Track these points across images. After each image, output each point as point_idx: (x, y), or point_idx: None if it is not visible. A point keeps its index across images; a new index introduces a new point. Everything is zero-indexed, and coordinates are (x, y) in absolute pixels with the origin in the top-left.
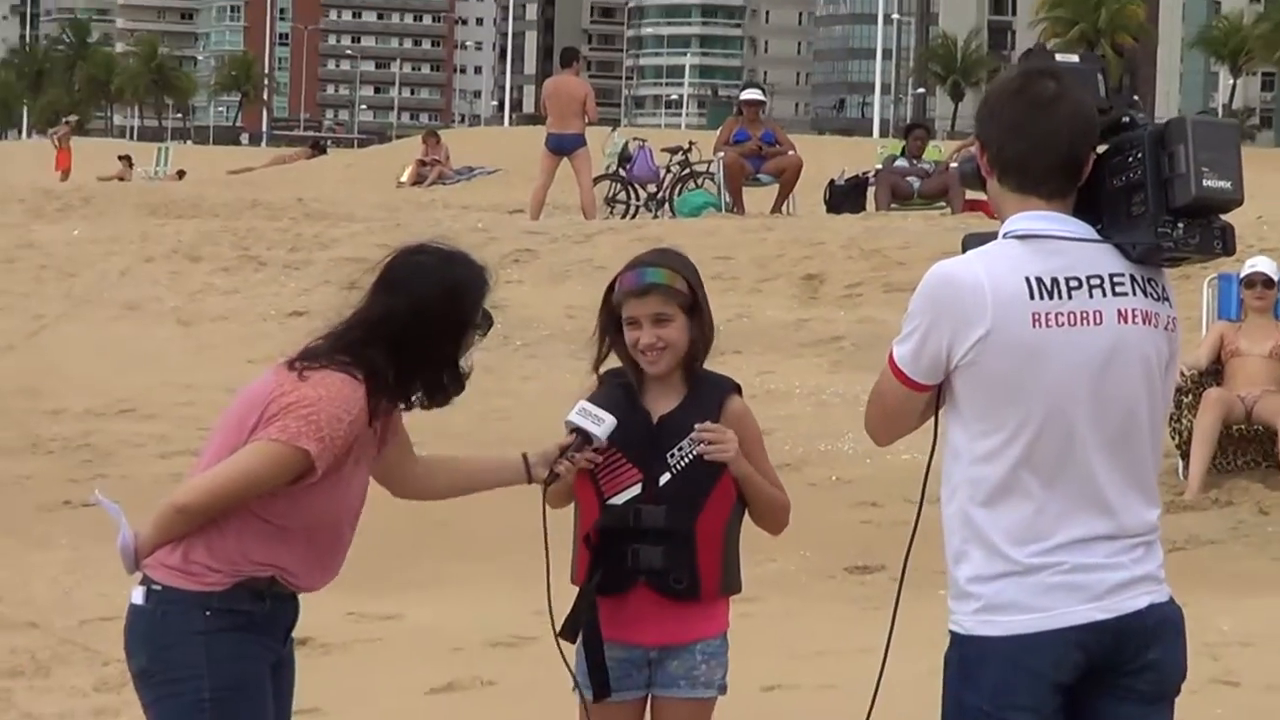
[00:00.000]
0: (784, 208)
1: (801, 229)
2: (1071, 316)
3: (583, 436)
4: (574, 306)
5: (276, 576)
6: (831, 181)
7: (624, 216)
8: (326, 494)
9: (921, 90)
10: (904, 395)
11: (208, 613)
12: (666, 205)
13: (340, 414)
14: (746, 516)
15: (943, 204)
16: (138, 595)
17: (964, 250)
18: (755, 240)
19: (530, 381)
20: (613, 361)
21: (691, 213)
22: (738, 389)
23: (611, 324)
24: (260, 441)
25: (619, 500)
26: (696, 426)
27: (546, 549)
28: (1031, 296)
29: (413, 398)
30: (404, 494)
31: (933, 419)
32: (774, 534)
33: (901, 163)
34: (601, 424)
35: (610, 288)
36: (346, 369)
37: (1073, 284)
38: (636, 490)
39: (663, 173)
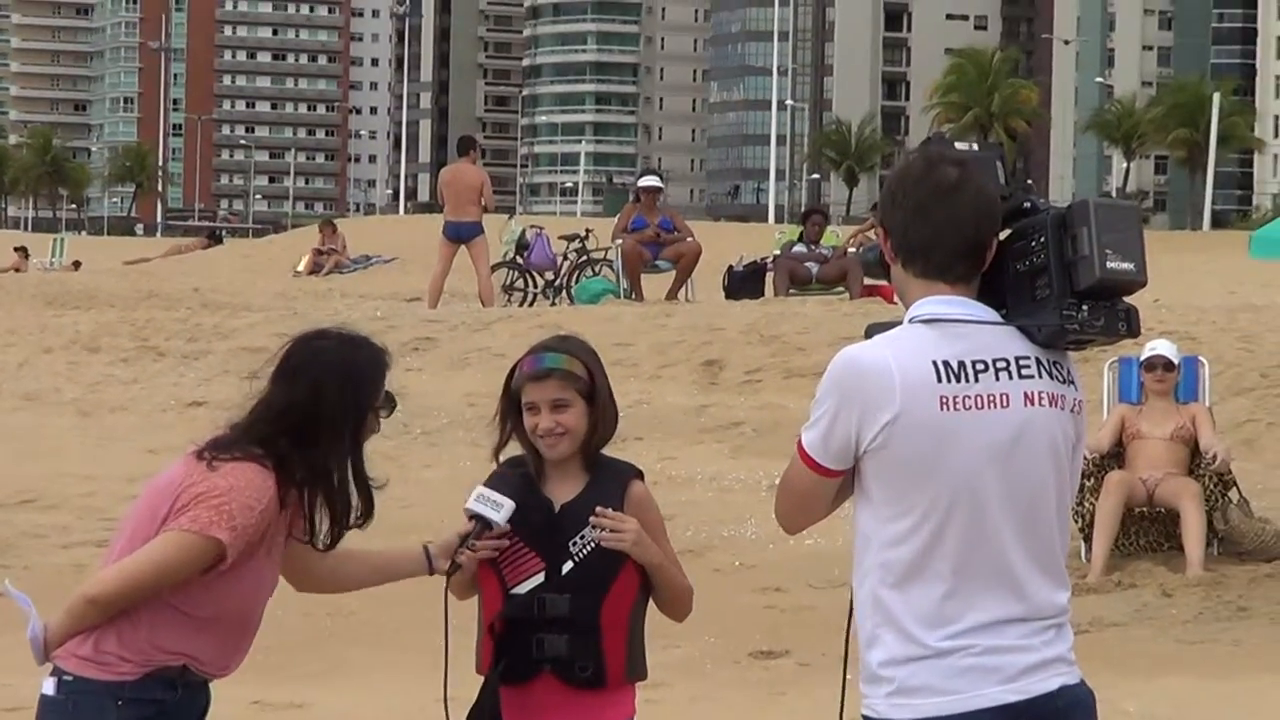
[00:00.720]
0: (682, 294)
1: (701, 315)
2: (979, 399)
3: (481, 523)
4: (474, 394)
5: (188, 665)
6: (730, 268)
7: (522, 304)
8: (238, 582)
9: (816, 176)
10: (814, 482)
11: (119, 703)
12: (565, 292)
13: (251, 503)
14: (651, 602)
15: (841, 289)
16: (49, 686)
17: (867, 338)
18: (655, 326)
19: (431, 469)
20: (514, 449)
21: (590, 299)
22: (639, 474)
23: (512, 409)
24: (172, 532)
25: (523, 589)
26: (596, 511)
27: (446, 639)
28: (939, 380)
29: (319, 524)
30: (307, 588)
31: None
32: (678, 620)
33: (799, 248)
34: (500, 509)
35: (511, 373)
36: (256, 459)
37: (979, 367)
38: (540, 579)
39: (560, 260)
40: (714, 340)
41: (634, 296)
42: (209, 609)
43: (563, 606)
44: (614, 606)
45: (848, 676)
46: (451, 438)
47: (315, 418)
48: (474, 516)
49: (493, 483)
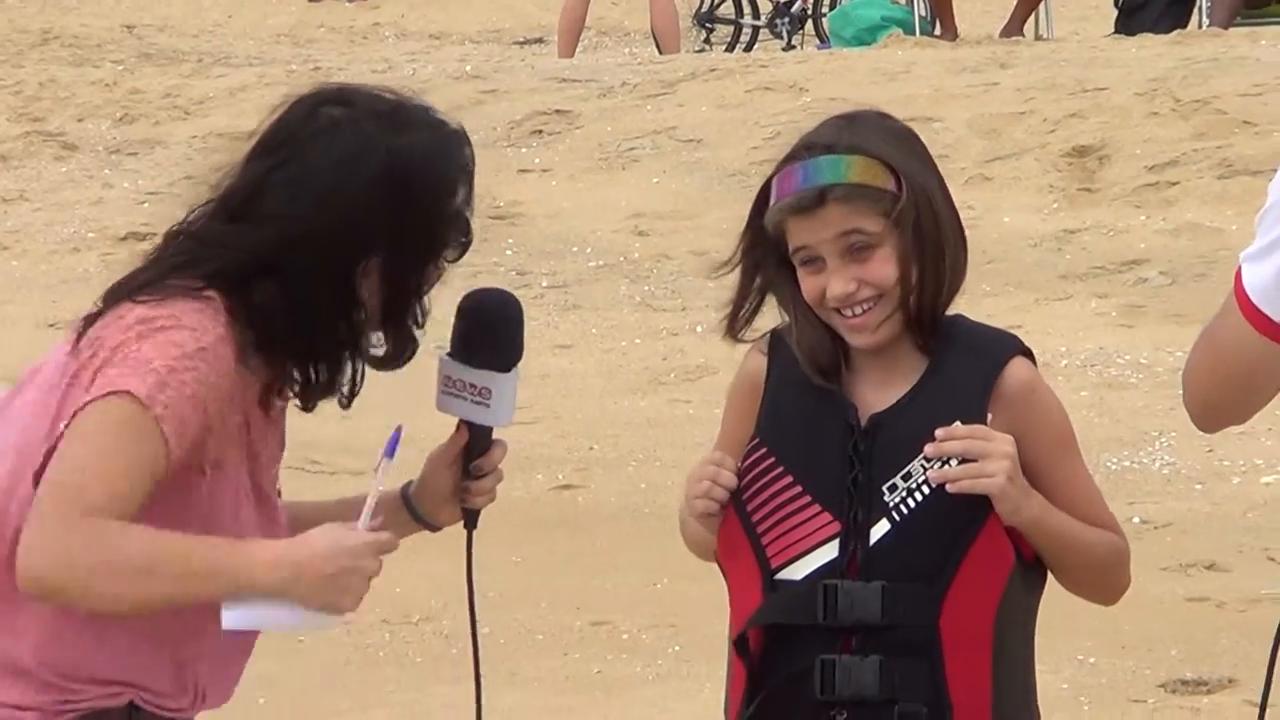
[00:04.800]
0: (1030, 25)
1: (1063, 63)
2: None
3: (475, 430)
4: (644, 215)
5: (135, 701)
6: None
7: (732, 47)
8: (199, 517)
9: None
10: (1259, 348)
11: None
12: (811, 23)
13: (190, 351)
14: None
15: None
16: None
17: None
18: (979, 86)
19: (570, 353)
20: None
21: (858, 36)
22: (1021, 349)
23: (765, 260)
24: (76, 419)
25: (798, 573)
26: (937, 434)
27: (476, 655)
28: None
29: (310, 376)
30: None
31: None
32: (1106, 601)
33: None
34: (490, 399)
35: (759, 196)
36: (191, 294)
37: None
38: (831, 554)
39: None
40: (1089, 110)
41: (937, 30)
42: None
43: (871, 604)
44: (966, 604)
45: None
46: (603, 294)
47: (319, 246)
48: (464, 423)
49: (467, 342)
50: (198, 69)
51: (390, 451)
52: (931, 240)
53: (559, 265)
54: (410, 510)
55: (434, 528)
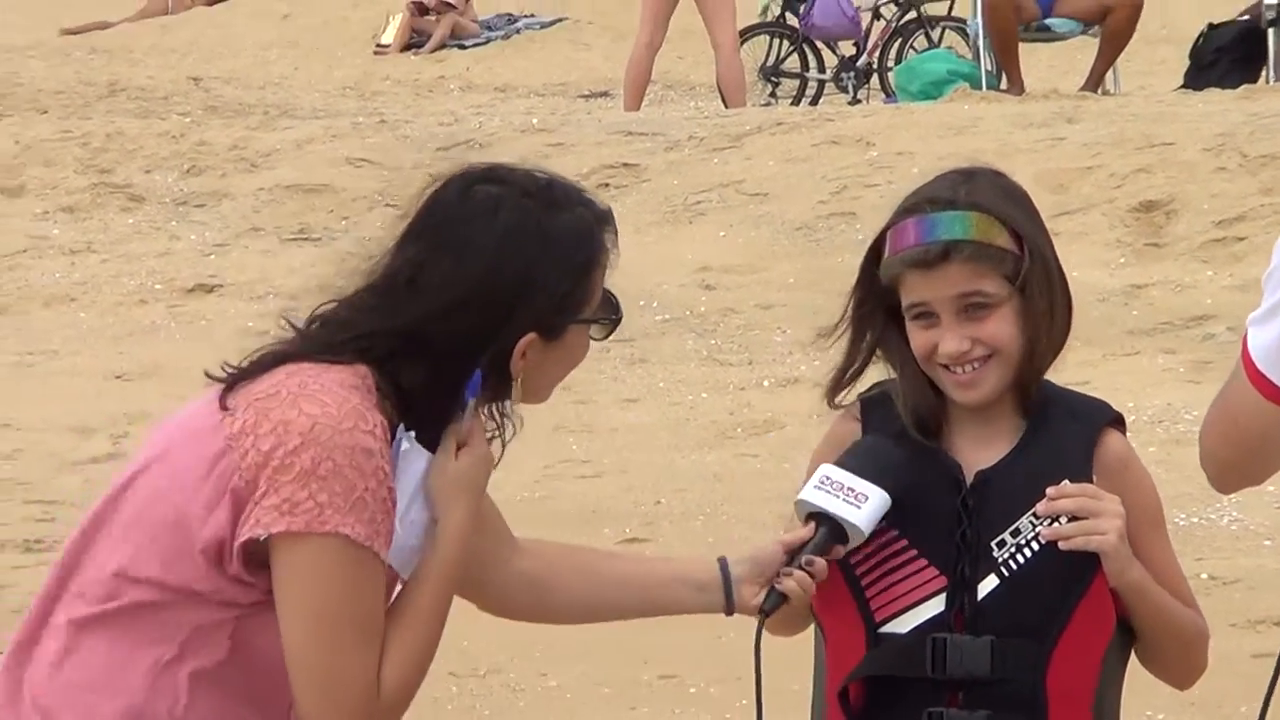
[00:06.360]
0: (1104, 81)
1: (1132, 118)
2: None
3: (829, 530)
4: (711, 268)
5: None
6: (1208, 27)
7: (798, 100)
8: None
9: None
10: (1266, 412)
11: None
12: (877, 77)
13: (376, 468)
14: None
15: None
16: None
17: None
18: (1046, 143)
19: (634, 407)
20: (867, 379)
21: (924, 92)
22: (1117, 419)
23: (874, 313)
24: (291, 567)
25: (903, 627)
26: (1049, 492)
27: (759, 715)
28: None
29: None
30: (502, 607)
31: None
32: (1180, 685)
33: None
34: (864, 505)
35: (872, 249)
36: (342, 365)
37: None
38: (938, 609)
39: (867, 20)
40: (1156, 165)
41: (1003, 84)
42: (248, 665)
43: (980, 658)
44: (1074, 661)
45: None
46: (672, 348)
47: (481, 322)
48: (816, 516)
49: (855, 455)
50: (264, 121)
51: (473, 390)
52: (1046, 304)
53: (626, 319)
54: (724, 575)
55: (729, 606)
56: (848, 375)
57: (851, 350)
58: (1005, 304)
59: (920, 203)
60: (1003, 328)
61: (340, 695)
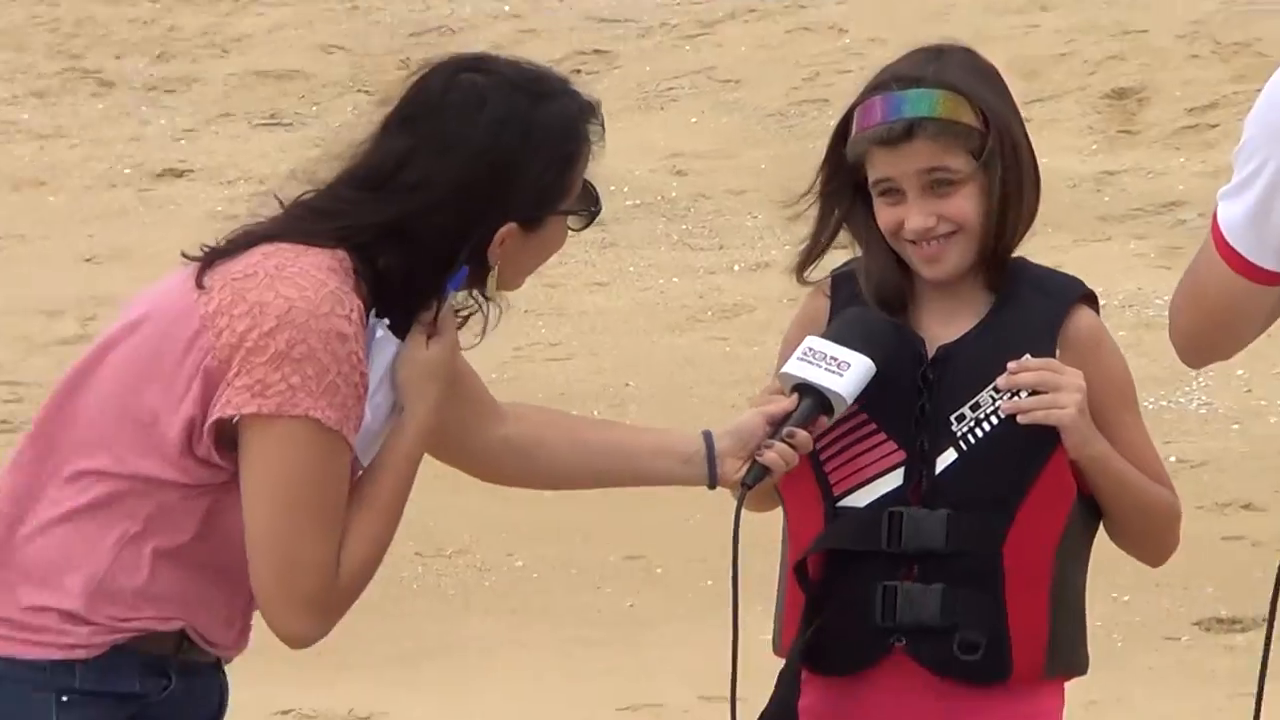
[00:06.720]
0: None
1: (1105, 7)
2: None
3: (814, 401)
4: (682, 154)
5: (186, 630)
6: None
7: None
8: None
9: None
10: (1234, 285)
11: (64, 698)
12: None
13: (350, 352)
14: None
15: None
16: None
17: None
18: (1020, 30)
19: (604, 290)
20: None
21: None
22: (1087, 295)
23: (842, 190)
24: (258, 449)
25: (861, 500)
26: (1009, 366)
27: (736, 601)
28: None
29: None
30: (488, 473)
31: None
32: (1151, 562)
33: None
34: (846, 372)
35: (842, 127)
36: (322, 248)
37: None
38: (896, 481)
39: None
40: (1129, 52)
41: None
42: (217, 533)
43: (936, 531)
44: (1030, 536)
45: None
46: (643, 232)
47: (462, 212)
48: (800, 388)
49: (839, 325)
50: (235, 7)
51: (456, 283)
52: (1014, 181)
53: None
54: (708, 448)
55: (712, 479)
56: (815, 250)
57: (819, 226)
58: (970, 181)
59: (887, 80)
60: (967, 204)
61: (298, 578)
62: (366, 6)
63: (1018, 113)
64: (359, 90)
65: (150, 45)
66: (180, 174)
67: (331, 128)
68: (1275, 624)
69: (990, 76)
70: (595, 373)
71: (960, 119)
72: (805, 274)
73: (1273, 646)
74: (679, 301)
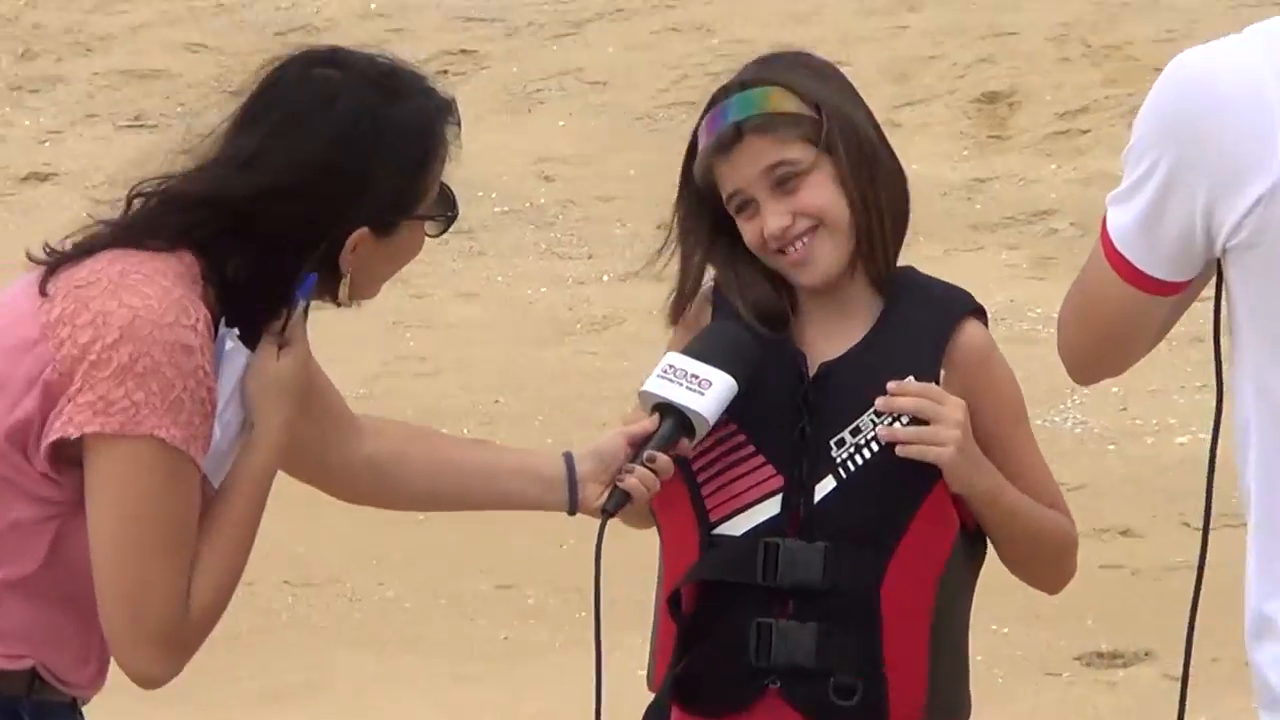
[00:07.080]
0: None
1: (973, 8)
2: None
3: (675, 422)
4: (550, 159)
5: (39, 669)
6: None
7: None
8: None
9: None
10: (1125, 297)
11: None
12: None
13: (196, 366)
14: (991, 560)
15: None
16: None
17: None
18: (888, 31)
19: (473, 301)
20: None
21: None
22: (975, 310)
23: (702, 223)
24: (102, 471)
25: (738, 529)
26: (889, 387)
27: (598, 630)
28: None
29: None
30: (345, 492)
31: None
32: (1049, 590)
33: None
34: (707, 391)
35: (688, 151)
36: (165, 251)
37: None
38: (773, 509)
39: None
40: (999, 55)
41: None
42: (64, 561)
43: (813, 565)
44: (912, 572)
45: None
46: (511, 240)
47: (311, 209)
48: (661, 408)
49: (701, 340)
50: (99, 4)
51: (304, 291)
52: (866, 166)
53: (463, 210)
54: (569, 472)
55: (573, 504)
56: (683, 297)
57: (684, 269)
58: (815, 169)
59: (718, 94)
60: (819, 193)
61: (146, 610)
62: (232, 5)
63: (861, 104)
64: (225, 91)
65: (13, 43)
66: (45, 178)
67: (197, 129)
68: (1189, 667)
69: (822, 71)
70: (464, 389)
71: (785, 109)
72: (679, 321)
73: (1160, 686)
74: (548, 313)
